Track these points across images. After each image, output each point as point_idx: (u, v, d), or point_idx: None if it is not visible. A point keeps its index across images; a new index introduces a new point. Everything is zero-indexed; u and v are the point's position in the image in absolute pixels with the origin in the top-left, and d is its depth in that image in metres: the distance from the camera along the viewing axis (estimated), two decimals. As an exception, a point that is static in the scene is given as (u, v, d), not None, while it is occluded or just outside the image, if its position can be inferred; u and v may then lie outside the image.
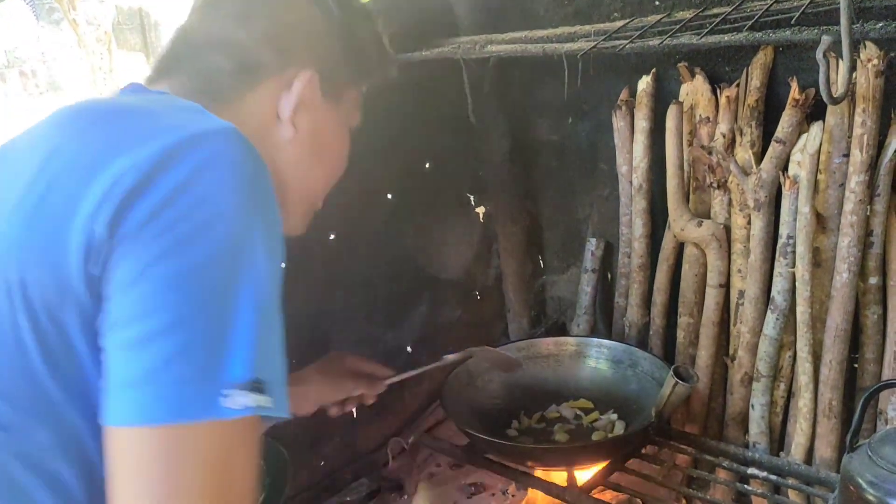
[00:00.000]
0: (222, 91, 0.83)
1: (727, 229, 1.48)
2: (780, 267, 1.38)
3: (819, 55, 0.94)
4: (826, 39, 0.94)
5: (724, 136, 1.44)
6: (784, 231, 1.36)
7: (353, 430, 1.72)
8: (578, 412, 1.56)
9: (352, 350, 1.67)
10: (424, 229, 1.82)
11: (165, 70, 0.85)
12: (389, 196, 1.72)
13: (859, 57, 1.21)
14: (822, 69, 0.95)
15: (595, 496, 1.33)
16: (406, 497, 1.68)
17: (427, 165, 1.80)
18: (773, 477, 1.36)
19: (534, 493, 1.50)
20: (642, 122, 1.58)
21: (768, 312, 1.40)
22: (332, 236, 1.60)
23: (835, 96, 0.97)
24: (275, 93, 0.85)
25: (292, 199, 0.90)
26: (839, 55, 1.01)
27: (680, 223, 1.52)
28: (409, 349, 1.82)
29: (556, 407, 1.58)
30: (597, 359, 1.63)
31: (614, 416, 1.52)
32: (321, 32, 0.89)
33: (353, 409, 1.37)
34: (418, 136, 1.75)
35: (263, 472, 1.54)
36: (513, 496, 1.65)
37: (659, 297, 1.65)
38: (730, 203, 1.48)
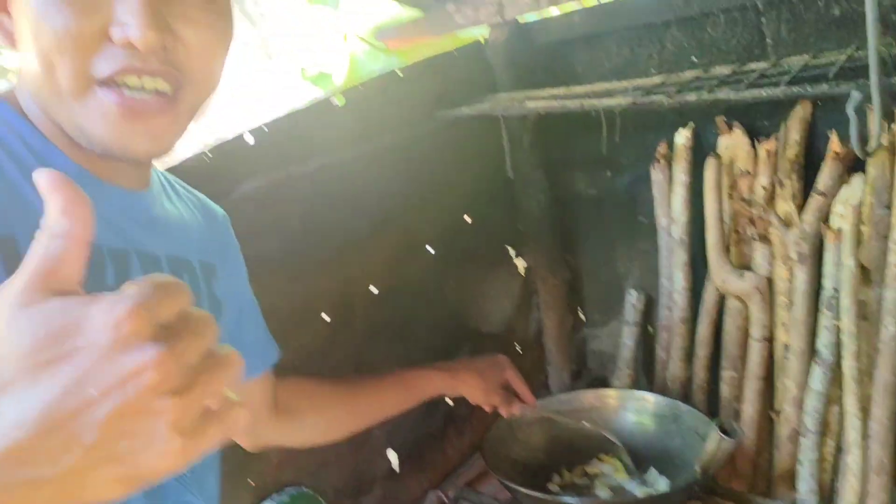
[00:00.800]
0: None
1: (770, 281, 1.47)
2: (825, 320, 1.36)
3: (849, 110, 0.95)
4: (856, 95, 0.95)
5: (764, 189, 1.44)
6: (828, 283, 1.35)
7: (394, 481, 1.72)
8: (620, 467, 1.54)
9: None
10: (465, 282, 1.84)
11: None
12: (430, 249, 1.75)
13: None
14: (853, 124, 0.96)
15: (639, 554, 1.31)
16: (446, 552, 1.66)
17: (467, 219, 1.82)
18: (824, 536, 1.32)
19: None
20: (681, 176, 1.59)
21: (814, 366, 1.38)
22: (373, 289, 1.63)
23: (868, 150, 0.98)
24: None
25: (41, 107, 0.69)
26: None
27: (721, 275, 1.51)
28: (449, 402, 1.82)
29: (598, 462, 1.56)
30: (639, 412, 1.62)
31: (656, 473, 1.49)
32: None
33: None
34: (459, 191, 1.78)
35: (302, 524, 1.55)
36: (555, 553, 1.62)
37: (701, 351, 1.63)
38: (772, 255, 1.47)
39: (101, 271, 0.69)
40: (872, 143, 0.99)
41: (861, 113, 0.99)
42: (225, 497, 1.43)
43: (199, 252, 0.87)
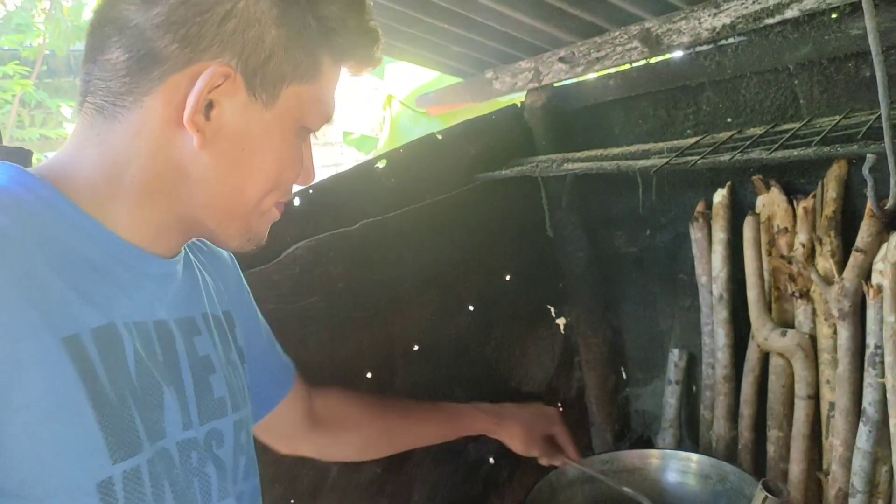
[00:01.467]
0: (115, 95, 0.73)
1: (812, 339, 1.46)
2: (870, 377, 1.34)
3: (865, 172, 0.97)
4: (870, 157, 0.97)
5: (803, 246, 1.45)
6: (871, 341, 1.34)
7: (436, 544, 1.71)
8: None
9: (432, 464, 1.69)
10: (506, 340, 1.85)
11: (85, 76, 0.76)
12: (471, 307, 1.77)
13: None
14: (869, 185, 0.97)
15: None
16: None
17: (508, 278, 1.85)
18: None
19: None
20: (720, 234, 1.60)
21: (860, 425, 1.36)
22: (415, 347, 1.66)
23: (885, 209, 0.99)
24: (178, 93, 0.72)
25: (216, 212, 0.78)
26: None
27: (763, 333, 1.51)
28: (490, 460, 1.82)
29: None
30: (683, 473, 1.60)
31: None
32: (248, 15, 0.73)
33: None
34: (499, 251, 1.81)
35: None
36: None
37: (746, 410, 1.61)
38: (814, 312, 1.46)
39: (152, 343, 0.74)
40: (890, 202, 1.00)
41: (879, 172, 1.00)
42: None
43: (221, 303, 0.91)
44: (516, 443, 1.38)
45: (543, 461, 1.41)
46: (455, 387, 1.75)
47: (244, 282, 1.02)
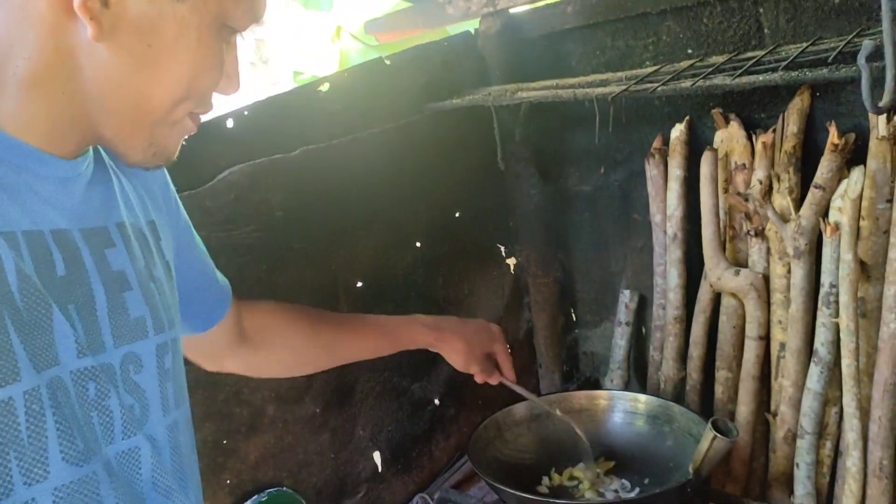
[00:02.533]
0: None
1: (766, 279, 1.43)
2: (823, 317, 1.32)
3: (861, 60, 0.89)
4: (868, 44, 0.90)
5: (760, 183, 1.40)
6: (826, 280, 1.31)
7: (379, 483, 1.67)
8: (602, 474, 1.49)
9: (376, 401, 1.63)
10: (453, 279, 1.79)
11: None
12: (418, 244, 1.70)
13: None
14: (864, 76, 0.89)
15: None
16: (431, 557, 1.61)
17: (457, 214, 1.78)
18: (821, 541, 1.28)
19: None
20: (676, 171, 1.55)
21: (812, 365, 1.34)
22: (359, 283, 1.58)
23: (880, 105, 0.91)
24: None
25: (116, 117, 0.68)
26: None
27: (716, 273, 1.47)
28: (436, 401, 1.77)
29: (584, 466, 1.50)
30: (631, 413, 1.57)
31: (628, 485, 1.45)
32: None
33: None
34: (448, 185, 1.74)
35: (281, 528, 1.50)
36: (543, 558, 1.57)
37: (696, 351, 1.59)
38: (768, 251, 1.43)
39: (48, 255, 0.64)
40: (886, 98, 0.91)
41: (867, 66, 0.92)
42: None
43: (144, 213, 0.80)
44: (456, 358, 1.30)
45: (479, 378, 1.34)
46: (400, 325, 1.69)
47: (172, 188, 0.90)
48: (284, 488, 1.47)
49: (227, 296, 1.00)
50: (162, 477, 0.69)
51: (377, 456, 1.66)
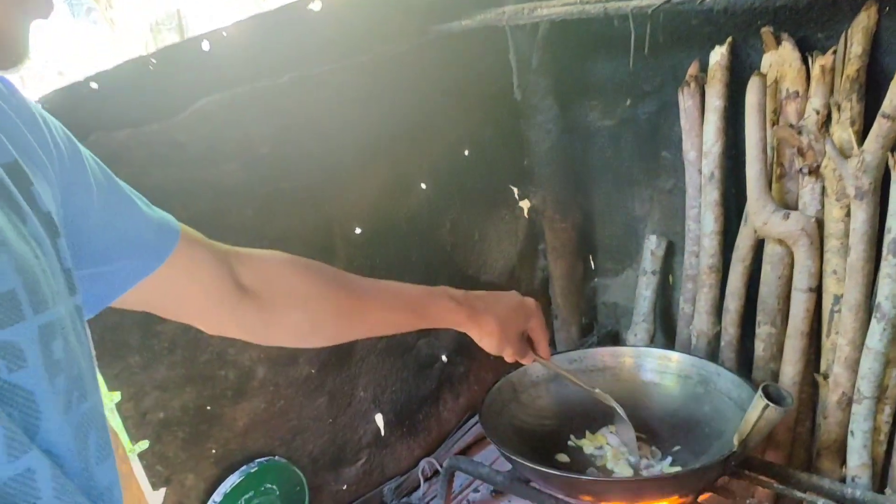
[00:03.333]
0: None
1: (819, 223, 1.26)
2: (889, 267, 1.15)
3: None
4: None
5: (817, 113, 1.22)
6: (894, 224, 1.14)
7: (381, 449, 1.53)
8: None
9: (378, 360, 1.49)
10: (462, 224, 1.62)
11: None
12: (423, 186, 1.53)
13: None
14: None
15: (663, 537, 1.12)
16: (439, 527, 1.48)
17: (466, 152, 1.60)
18: (881, 519, 1.13)
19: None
20: (715, 101, 1.36)
21: (873, 321, 1.17)
22: (357, 230, 1.42)
23: None
24: None
25: None
26: None
27: (762, 216, 1.29)
28: (444, 358, 1.62)
29: (608, 431, 1.35)
30: (661, 373, 1.41)
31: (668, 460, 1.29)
32: None
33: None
34: (457, 119, 1.55)
35: (278, 499, 1.36)
36: (562, 530, 1.43)
37: (733, 304, 1.43)
38: (823, 192, 1.25)
39: None
40: None
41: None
42: (183, 468, 1.23)
43: (2, 153, 0.59)
44: (489, 342, 1.09)
45: (510, 359, 1.15)
46: (405, 276, 1.52)
47: (49, 118, 0.68)
48: (277, 457, 1.33)
49: (171, 233, 0.78)
50: (69, 497, 0.51)
51: (380, 419, 1.52)
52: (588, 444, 1.35)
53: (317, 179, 1.32)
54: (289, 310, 0.89)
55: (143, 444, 1.14)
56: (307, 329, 0.93)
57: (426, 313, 1.03)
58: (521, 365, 1.35)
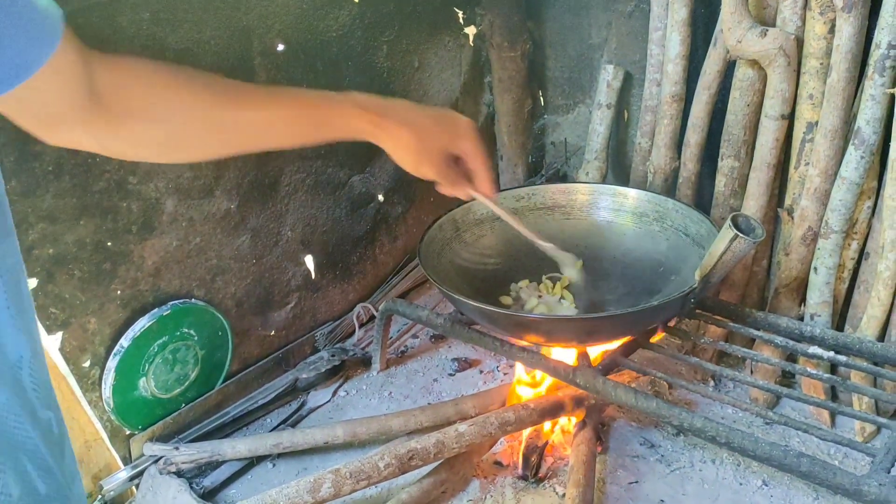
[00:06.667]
0: None
1: (799, 42, 1.13)
2: (874, 88, 1.04)
3: None
4: None
5: (806, -89, 1.07)
6: (884, 38, 1.02)
7: (312, 293, 1.41)
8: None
9: (307, 196, 1.34)
10: (401, 48, 1.45)
11: None
12: (356, 0, 1.34)
13: None
14: None
15: (612, 378, 1.05)
16: (375, 374, 1.39)
17: (405, -37, 1.40)
18: (841, 357, 1.07)
19: (534, 372, 1.22)
20: None
21: (850, 148, 1.07)
22: (280, 46, 1.23)
23: None
24: None
25: None
26: None
27: (736, 33, 1.15)
28: (380, 197, 1.48)
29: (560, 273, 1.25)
30: (615, 211, 1.31)
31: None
32: None
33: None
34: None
35: (197, 345, 1.24)
36: (505, 374, 1.37)
37: (694, 137, 1.31)
38: (805, 5, 1.12)
39: None
40: None
41: None
42: (83, 311, 1.09)
43: None
44: (403, 155, 0.92)
45: (445, 189, 0.99)
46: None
47: None
48: (194, 300, 1.20)
49: (55, 27, 0.63)
50: None
51: (310, 260, 1.39)
52: (540, 286, 1.25)
53: (229, -19, 1.13)
54: (145, 119, 0.73)
55: (30, 283, 0.99)
56: (166, 139, 0.77)
57: (325, 121, 0.86)
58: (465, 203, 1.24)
